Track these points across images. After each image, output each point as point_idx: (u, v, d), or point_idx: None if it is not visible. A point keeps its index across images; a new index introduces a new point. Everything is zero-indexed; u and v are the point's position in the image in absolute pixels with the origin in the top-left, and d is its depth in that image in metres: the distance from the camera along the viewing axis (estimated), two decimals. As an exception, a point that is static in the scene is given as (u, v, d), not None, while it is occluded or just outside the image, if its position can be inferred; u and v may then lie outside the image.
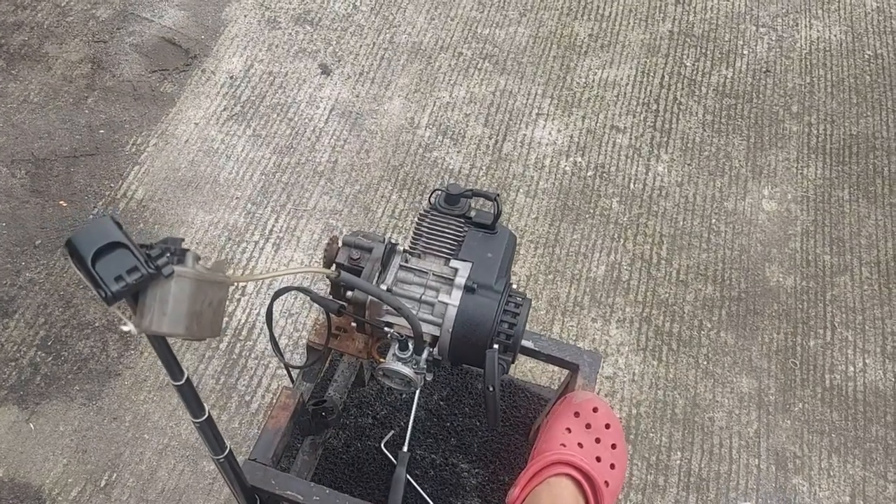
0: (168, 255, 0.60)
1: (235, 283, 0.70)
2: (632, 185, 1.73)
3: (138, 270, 0.58)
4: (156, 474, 1.32)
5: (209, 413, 0.80)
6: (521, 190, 1.71)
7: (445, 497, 1.28)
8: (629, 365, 1.48)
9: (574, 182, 1.73)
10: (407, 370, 0.93)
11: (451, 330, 0.93)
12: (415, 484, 1.30)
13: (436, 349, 0.96)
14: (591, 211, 1.69)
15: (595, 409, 1.02)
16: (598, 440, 1.00)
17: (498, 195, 0.97)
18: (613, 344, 1.51)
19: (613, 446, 1.01)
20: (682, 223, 1.68)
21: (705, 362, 1.49)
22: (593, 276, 1.59)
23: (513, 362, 0.96)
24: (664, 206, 1.71)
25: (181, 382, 0.74)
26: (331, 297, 1.02)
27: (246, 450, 1.34)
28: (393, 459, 1.32)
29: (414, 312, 0.93)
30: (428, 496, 1.29)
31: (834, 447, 1.41)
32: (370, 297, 0.94)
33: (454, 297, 0.93)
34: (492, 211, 0.98)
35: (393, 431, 1.36)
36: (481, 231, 0.98)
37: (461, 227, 0.99)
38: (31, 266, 1.54)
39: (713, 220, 1.69)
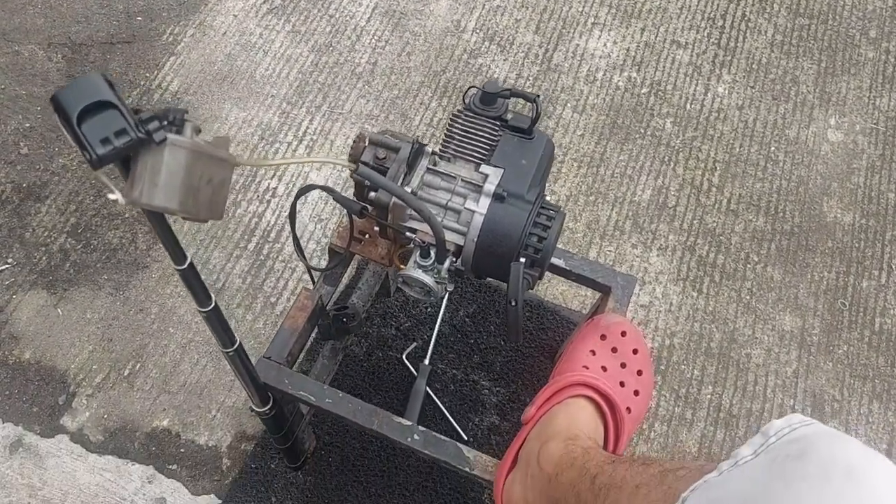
0: (163, 122, 0.56)
1: (239, 165, 0.65)
2: (688, 106, 1.63)
3: (127, 134, 0.53)
4: (179, 367, 1.32)
5: (216, 303, 0.77)
6: (568, 104, 1.62)
7: (464, 412, 1.26)
8: (667, 295, 1.42)
9: (626, 99, 1.63)
10: (427, 278, 0.89)
11: (476, 240, 0.88)
12: (434, 397, 1.28)
13: (459, 259, 0.91)
14: (642, 131, 1.60)
15: (623, 334, 0.97)
16: (623, 365, 0.96)
17: (538, 96, 0.90)
18: (652, 272, 1.44)
19: (639, 373, 0.96)
20: (738, 149, 1.58)
21: (748, 297, 1.42)
22: (637, 200, 1.52)
23: (540, 278, 0.91)
24: (721, 130, 1.60)
25: (184, 267, 0.71)
26: (354, 199, 0.98)
27: (268, 350, 1.33)
28: (413, 371, 1.30)
29: (438, 219, 0.88)
30: (446, 410, 1.27)
31: (876, 393, 1.34)
32: (393, 199, 0.89)
33: (482, 205, 0.88)
34: (530, 114, 0.91)
35: (415, 344, 1.33)
36: (517, 135, 0.92)
37: (496, 131, 0.92)
38: (65, 152, 1.52)
39: (772, 149, 1.58)
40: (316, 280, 1.06)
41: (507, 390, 1.29)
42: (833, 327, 1.40)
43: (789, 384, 1.35)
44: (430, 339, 1.31)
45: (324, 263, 1.40)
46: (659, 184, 1.54)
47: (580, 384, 0.92)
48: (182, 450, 1.25)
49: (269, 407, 0.96)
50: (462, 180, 0.91)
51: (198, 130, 0.59)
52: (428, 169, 0.92)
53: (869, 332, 1.40)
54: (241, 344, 0.84)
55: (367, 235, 1.02)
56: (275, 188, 1.50)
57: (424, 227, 0.90)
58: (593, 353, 0.95)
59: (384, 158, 0.92)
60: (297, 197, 0.97)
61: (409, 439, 0.91)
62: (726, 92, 1.65)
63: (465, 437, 1.25)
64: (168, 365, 1.32)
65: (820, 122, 1.61)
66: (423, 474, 1.22)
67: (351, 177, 0.82)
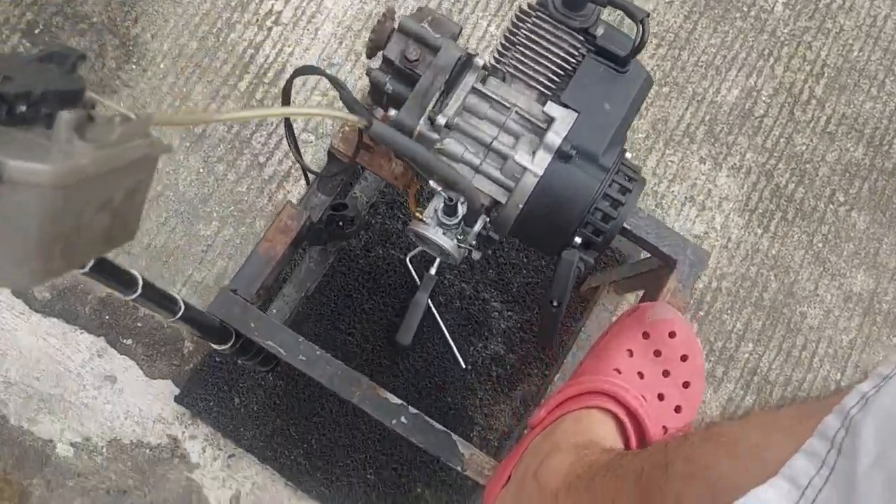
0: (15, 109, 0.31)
1: (163, 153, 0.41)
2: (809, -15, 1.28)
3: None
4: (143, 226, 1.12)
5: (143, 281, 0.55)
6: (661, -42, 1.27)
7: (467, 335, 1.09)
8: (726, 227, 1.19)
9: (735, -37, 1.28)
10: (447, 241, 0.66)
11: (522, 205, 0.64)
12: (435, 312, 1.09)
13: (493, 220, 0.68)
14: (745, 9, 1.27)
15: (672, 334, 0.75)
16: (666, 373, 0.76)
17: (648, 15, 0.61)
18: (717, 196, 1.20)
19: (685, 384, 0.76)
20: (856, 54, 1.27)
21: (821, 244, 1.20)
22: (719, 101, 1.23)
23: (595, 265, 0.69)
24: (842, 24, 1.27)
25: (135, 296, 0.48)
26: (368, 102, 0.72)
27: (249, 221, 1.12)
28: (417, 279, 1.10)
29: (477, 162, 0.64)
30: (447, 329, 1.09)
31: (936, 381, 1.17)
32: (419, 127, 0.64)
33: (538, 161, 0.63)
34: (632, 36, 0.64)
35: (423, 248, 1.11)
36: (605, 64, 0.64)
37: (577, 50, 0.65)
38: (20, -78, 1.20)
39: (898, 59, 1.27)
40: (310, 184, 0.83)
41: (520, 317, 1.10)
42: (909, 296, 1.19)
43: (841, 356, 1.17)
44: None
45: (320, 148, 1.15)
46: (750, 84, 1.24)
47: (603, 393, 0.72)
48: (139, 324, 1.09)
49: (230, 344, 0.77)
50: (518, 113, 0.65)
51: (91, 106, 0.35)
52: (474, 89, 0.66)
53: (949, 309, 1.19)
54: (185, 306, 0.63)
55: (379, 144, 0.77)
56: (279, 12, 1.21)
57: (457, 168, 0.65)
58: (630, 353, 0.75)
59: (416, 61, 0.65)
60: (293, 78, 0.71)
61: (395, 421, 0.73)
62: (862, -27, 1.30)
63: (464, 365, 1.09)
64: (131, 220, 1.12)
65: (967, 35, 1.28)
66: (412, 400, 1.07)
67: (364, 130, 0.57)
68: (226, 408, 1.04)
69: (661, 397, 0.75)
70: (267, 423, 1.04)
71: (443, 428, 0.74)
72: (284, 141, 1.16)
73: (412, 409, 0.74)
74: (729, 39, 1.26)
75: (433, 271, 1.09)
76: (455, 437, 0.74)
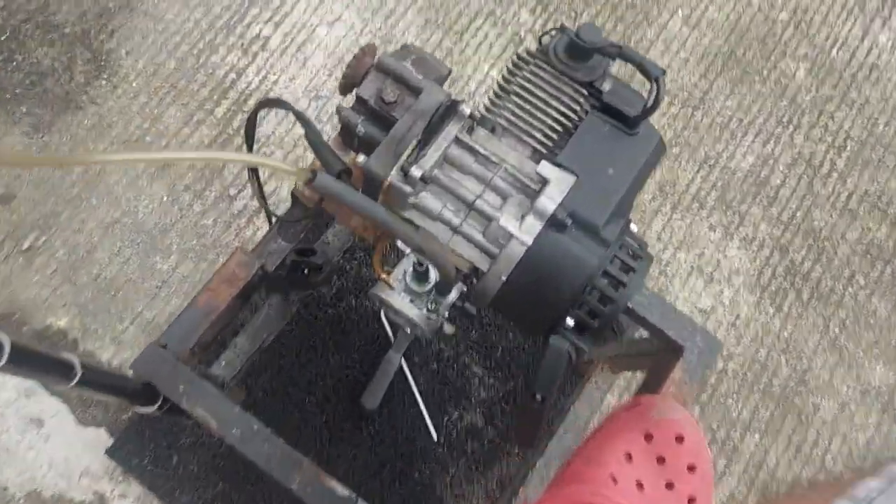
0: None
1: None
2: (834, 52, 1.20)
3: None
4: (94, 254, 1.01)
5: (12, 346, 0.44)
6: (679, 12, 1.19)
7: (441, 402, 0.98)
8: (735, 303, 1.09)
9: (756, 22, 1.20)
10: (414, 311, 0.56)
11: (505, 276, 0.54)
12: (408, 374, 0.99)
13: (473, 289, 0.57)
14: (765, 73, 1.19)
15: (680, 439, 0.64)
16: (669, 486, 0.64)
17: (664, 73, 0.52)
18: (726, 268, 1.10)
19: (691, 500, 0.65)
20: (881, 128, 1.18)
21: (838, 330, 1.09)
22: (733, 167, 1.14)
23: (588, 354, 0.58)
24: (867, 95, 1.19)
25: None
26: (335, 149, 0.63)
27: (212, 258, 1.02)
28: (391, 335, 0.99)
29: (457, 222, 0.54)
30: (420, 394, 0.98)
31: (956, 491, 1.05)
32: (391, 177, 0.55)
33: (527, 228, 0.53)
34: (643, 93, 0.54)
35: (399, 304, 1.01)
36: (611, 123, 0.55)
37: (580, 105, 0.56)
38: (-1, -79, 1.12)
39: (926, 137, 1.18)
40: (271, 227, 0.73)
41: (503, 386, 0.99)
42: (932, 395, 1.09)
43: (857, 455, 1.05)
44: (419, 303, 1.00)
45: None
46: (767, 151, 1.15)
47: None
48: (78, 364, 0.98)
49: (157, 406, 0.66)
50: (507, 170, 0.55)
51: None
52: (457, 139, 0.56)
53: (974, 412, 1.08)
54: (83, 371, 0.52)
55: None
56: (267, 37, 1.12)
57: (432, 227, 0.55)
58: (629, 457, 0.63)
59: (393, 103, 0.56)
60: (256, 111, 0.62)
61: (341, 514, 0.62)
62: (889, 44, 1.21)
63: (436, 436, 0.97)
64: (81, 247, 1.02)
65: None
66: (372, 472, 0.95)
67: (305, 185, 0.47)
68: (162, 466, 0.93)
69: None
70: (207, 487, 0.93)
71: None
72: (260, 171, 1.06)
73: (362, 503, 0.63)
74: (746, 103, 1.17)
75: (408, 329, 0.98)
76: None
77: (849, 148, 1.17)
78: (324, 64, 1.11)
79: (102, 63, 1.08)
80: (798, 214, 1.13)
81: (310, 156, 1.04)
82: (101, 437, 0.95)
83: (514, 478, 0.96)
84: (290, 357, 0.96)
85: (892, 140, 1.17)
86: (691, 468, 0.64)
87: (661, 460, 0.64)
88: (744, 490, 1.03)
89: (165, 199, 1.04)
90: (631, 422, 0.65)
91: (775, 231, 1.12)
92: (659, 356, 0.73)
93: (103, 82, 1.08)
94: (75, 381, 0.52)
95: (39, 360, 0.49)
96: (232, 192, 1.05)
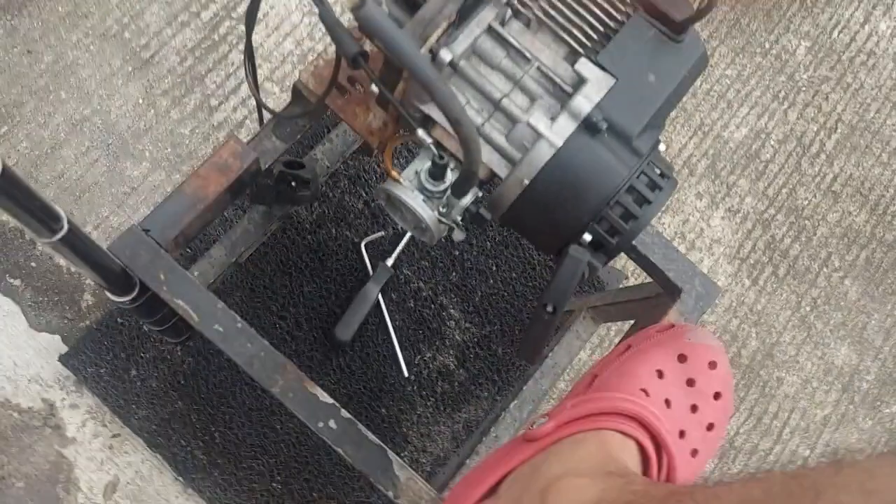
0: None
1: None
2: (836, 33, 1.20)
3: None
4: (59, 150, 0.95)
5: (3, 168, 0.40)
6: (689, -26, 1.17)
7: (415, 341, 0.95)
8: (714, 272, 1.08)
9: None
10: (427, 211, 0.53)
11: (527, 180, 0.51)
12: (384, 310, 0.96)
13: (488, 196, 0.54)
14: (767, 46, 1.18)
15: (713, 364, 0.63)
16: (694, 408, 0.63)
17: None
18: (708, 237, 1.09)
19: (710, 427, 0.64)
20: (872, 114, 1.19)
21: (808, 308, 1.10)
22: (726, 137, 1.13)
23: (601, 267, 0.56)
24: (863, 81, 1.19)
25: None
26: (352, 31, 0.58)
27: (186, 170, 0.96)
28: (369, 268, 0.96)
29: (480, 121, 0.51)
30: (394, 330, 0.95)
31: (905, 475, 1.07)
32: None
33: (559, 129, 0.50)
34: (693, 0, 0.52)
35: (383, 233, 0.98)
36: (657, 27, 0.52)
37: (625, 3, 0.53)
38: None
39: (912, 129, 1.20)
40: (268, 122, 0.69)
41: (478, 331, 0.97)
42: (892, 379, 1.10)
43: (813, 431, 1.06)
44: (403, 236, 0.97)
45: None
46: (760, 125, 1.15)
47: (631, 416, 0.59)
48: (33, 263, 0.92)
49: (132, 297, 0.62)
50: (539, 69, 0.52)
51: None
52: (490, 29, 0.53)
53: (929, 400, 1.11)
54: (70, 228, 0.48)
55: (357, 86, 0.63)
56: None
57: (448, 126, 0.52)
58: (661, 374, 0.62)
59: (424, -18, 0.52)
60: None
61: (322, 425, 0.59)
62: (889, 32, 1.22)
63: (406, 373, 0.94)
64: (45, 142, 0.95)
65: None
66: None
67: (351, 8, 0.44)
68: (119, 378, 0.88)
69: (682, 434, 0.63)
70: (165, 405, 0.88)
71: (379, 442, 0.60)
72: (243, 86, 1.01)
73: (345, 413, 0.60)
74: (745, 74, 1.16)
75: (389, 262, 0.95)
76: (392, 454, 0.60)
77: (839, 131, 1.17)
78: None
79: (85, -51, 1.01)
80: (784, 191, 1.13)
81: (296, 74, 0.99)
82: (55, 344, 0.89)
83: (482, 422, 0.94)
84: (264, 280, 0.92)
85: (880, 128, 1.18)
86: (717, 396, 0.63)
87: (690, 382, 0.63)
88: (705, 455, 1.03)
89: (141, 101, 0.98)
90: (666, 341, 0.64)
91: (760, 205, 1.12)
92: (653, 300, 0.71)
93: (84, -31, 1.01)
94: (60, 236, 0.48)
95: (30, 197, 0.44)
96: (213, 102, 1.00)
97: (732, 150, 1.13)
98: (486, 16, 0.52)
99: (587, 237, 0.52)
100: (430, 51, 0.50)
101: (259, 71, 1.02)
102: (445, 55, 0.50)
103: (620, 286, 0.98)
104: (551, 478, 0.56)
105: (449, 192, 0.53)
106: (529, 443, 0.59)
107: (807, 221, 1.13)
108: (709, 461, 0.65)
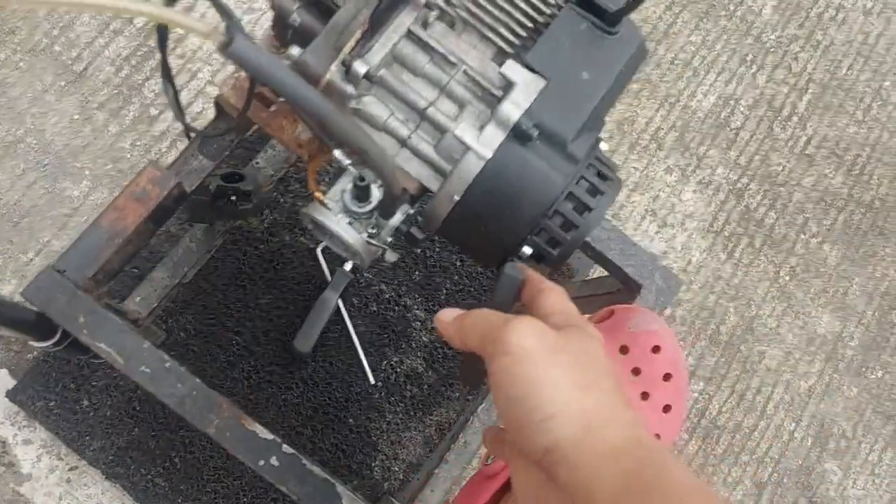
0: None
1: None
2: (801, -11, 1.16)
3: None
4: (-7, 175, 0.91)
5: None
6: (645, -63, 1.12)
7: (380, 346, 0.91)
8: (688, 248, 1.05)
9: (725, -46, 1.14)
10: (353, 235, 0.49)
11: (458, 196, 0.47)
12: (346, 316, 0.92)
13: (421, 212, 0.51)
14: (731, 7, 1.13)
15: (656, 349, 0.61)
16: (645, 396, 0.61)
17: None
18: (680, 212, 1.06)
19: (666, 409, 0.62)
20: (844, 71, 1.14)
21: (787, 277, 1.07)
22: (694, 107, 1.09)
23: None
24: (832, 38, 1.15)
25: None
26: (272, 42, 0.55)
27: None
28: (327, 274, 0.92)
29: (405, 133, 0.47)
30: (357, 337, 0.91)
31: (895, 439, 1.06)
32: (330, 72, 0.47)
33: (487, 139, 0.46)
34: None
35: (337, 239, 0.93)
36: (589, 20, 0.48)
37: None
38: None
39: (886, 83, 1.16)
40: (191, 142, 0.64)
41: (444, 330, 0.93)
42: (876, 344, 1.08)
43: (798, 403, 1.04)
44: (359, 238, 0.92)
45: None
46: (729, 91, 1.11)
47: None
48: (-25, 296, 0.88)
49: (55, 340, 0.58)
50: (466, 73, 0.48)
51: None
52: (409, 33, 0.48)
53: (915, 362, 1.08)
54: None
55: (280, 98, 0.59)
56: (196, -60, 1.01)
57: (377, 139, 0.48)
58: None
59: (332, -16, 0.47)
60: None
61: (263, 463, 0.55)
62: (857, -16, 1.18)
63: (373, 380, 0.91)
64: (-22, 167, 0.90)
65: (960, 65, 1.18)
66: (304, 418, 0.89)
67: (219, 50, 0.39)
68: (70, 410, 0.84)
69: None
70: (121, 433, 0.85)
71: (325, 475, 0.57)
72: (184, 92, 0.96)
73: (287, 449, 0.56)
74: (711, 39, 1.12)
75: (348, 267, 0.91)
76: (341, 487, 0.57)
77: (810, 91, 1.13)
78: (258, -26, 1.01)
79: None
80: (756, 158, 1.09)
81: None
82: (3, 379, 0.86)
83: (454, 424, 0.91)
84: (216, 295, 0.88)
85: (853, 85, 1.14)
86: (667, 377, 0.61)
87: (636, 372, 0.61)
88: (685, 437, 1.00)
89: (76, 117, 0.93)
90: (605, 336, 0.61)
91: (732, 175, 1.08)
92: (615, 295, 0.68)
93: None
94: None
95: None
96: (153, 112, 0.95)
97: (701, 119, 1.09)
98: (404, 20, 0.48)
99: (527, 250, 0.49)
100: (344, 63, 0.46)
101: (200, 75, 0.97)
102: (360, 67, 0.46)
103: (590, 276, 0.95)
104: None
105: (376, 212, 0.49)
106: (490, 479, 0.57)
107: (781, 188, 1.09)
108: (674, 439, 0.63)
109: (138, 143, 0.94)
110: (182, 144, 0.94)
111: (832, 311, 1.07)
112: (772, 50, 1.13)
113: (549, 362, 0.40)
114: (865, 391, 1.06)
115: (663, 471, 0.38)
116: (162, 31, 0.57)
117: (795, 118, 1.12)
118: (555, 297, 0.46)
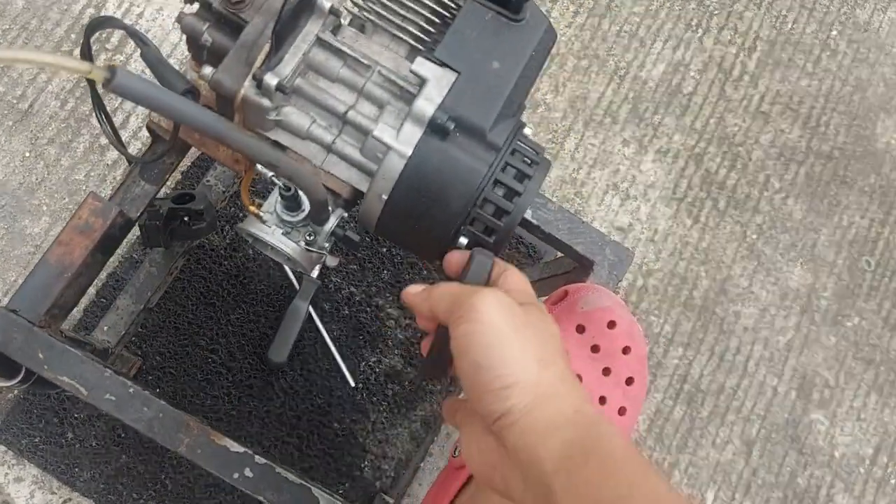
0: None
1: None
2: (740, -52, 1.16)
3: None
4: (-47, 222, 0.91)
5: None
6: (579, -87, 1.12)
7: (357, 348, 0.92)
8: (653, 217, 1.06)
9: (660, -79, 1.15)
10: (289, 245, 0.49)
11: (385, 195, 0.48)
12: (318, 323, 0.93)
13: (353, 213, 0.51)
14: (671, -26, 1.14)
15: (612, 324, 0.63)
16: (606, 371, 0.63)
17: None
18: (642, 183, 1.07)
19: (629, 381, 0.63)
20: (790, 26, 1.15)
21: (755, 236, 1.08)
22: (644, 77, 1.10)
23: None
24: (775, -6, 1.16)
25: None
26: (193, 66, 0.55)
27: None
28: (295, 283, 0.93)
29: (330, 139, 0.47)
30: (332, 342, 0.92)
31: (878, 384, 1.07)
32: (244, 88, 0.47)
33: (405, 137, 0.47)
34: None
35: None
36: (493, 9, 0.49)
37: (457, -7, 0.49)
38: None
39: (833, 33, 1.16)
40: (130, 169, 0.65)
41: (418, 325, 0.94)
42: (849, 292, 1.09)
43: (778, 358, 1.05)
44: (322, 244, 0.93)
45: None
46: (677, 58, 1.11)
47: None
48: (-52, 344, 0.88)
49: (20, 378, 0.59)
50: (381, 73, 0.49)
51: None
52: (319, 40, 0.49)
53: (890, 305, 1.09)
54: None
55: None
56: (130, -35, 1.01)
57: (303, 147, 0.49)
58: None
59: (240, 3, 0.48)
60: (88, 34, 0.53)
61: (237, 476, 0.56)
62: (795, -63, 1.18)
63: (353, 383, 0.92)
64: (-62, 216, 0.91)
65: (905, 7, 1.19)
66: (289, 427, 0.90)
67: (104, 87, 0.40)
68: (57, 444, 0.85)
69: (602, 400, 0.63)
70: (109, 461, 0.86)
71: (301, 481, 0.57)
72: (132, 118, 0.96)
73: (260, 459, 0.57)
74: (654, 8, 1.12)
75: (315, 273, 0.92)
76: (317, 490, 0.58)
77: (759, 49, 1.13)
78: None
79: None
80: (711, 122, 1.10)
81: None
82: (-16, 421, 0.86)
83: (439, 417, 0.92)
84: (187, 316, 0.89)
85: (800, 38, 1.15)
86: (626, 350, 0.63)
87: (595, 349, 0.63)
88: (670, 403, 1.01)
89: (28, 154, 0.93)
90: (561, 317, 0.63)
91: (689, 140, 1.09)
92: (572, 273, 0.69)
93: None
94: None
95: None
96: (104, 141, 0.95)
97: (653, 89, 1.10)
98: (311, 28, 0.48)
99: (463, 240, 0.49)
100: (254, 77, 0.47)
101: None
102: (271, 79, 0.46)
103: (549, 260, 0.96)
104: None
105: (308, 220, 0.50)
106: (459, 469, 0.58)
107: (740, 148, 1.10)
108: (640, 409, 0.65)
109: (92, 174, 0.94)
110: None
111: (803, 264, 1.08)
112: (716, 12, 1.13)
113: (514, 335, 0.43)
114: (843, 339, 1.07)
115: (602, 440, 0.41)
116: (84, 46, 0.58)
117: (747, 77, 1.12)
118: (517, 276, 0.48)
